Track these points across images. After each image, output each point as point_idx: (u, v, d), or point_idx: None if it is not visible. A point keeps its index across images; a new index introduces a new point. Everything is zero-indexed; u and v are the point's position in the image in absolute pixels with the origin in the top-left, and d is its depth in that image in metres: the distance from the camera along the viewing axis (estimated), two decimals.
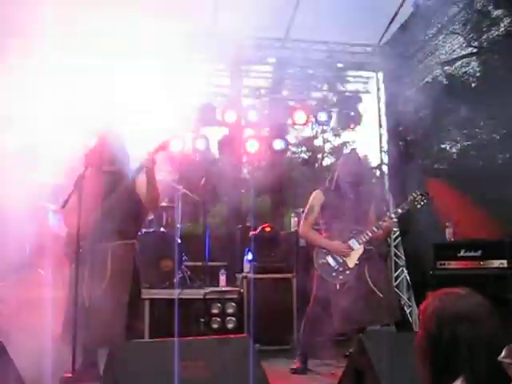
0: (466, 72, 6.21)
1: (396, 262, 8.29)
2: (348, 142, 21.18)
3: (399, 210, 5.09)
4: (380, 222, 5.08)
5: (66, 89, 8.36)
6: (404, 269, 8.13)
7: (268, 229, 6.76)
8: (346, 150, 21.00)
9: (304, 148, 21.61)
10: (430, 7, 6.71)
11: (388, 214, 5.15)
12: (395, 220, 5.24)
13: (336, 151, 21.73)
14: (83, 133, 7.96)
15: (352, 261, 4.97)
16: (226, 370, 3.48)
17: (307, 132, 20.53)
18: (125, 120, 7.93)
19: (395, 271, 8.11)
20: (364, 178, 5.35)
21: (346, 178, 5.09)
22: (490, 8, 5.98)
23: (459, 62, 6.35)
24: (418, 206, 5.08)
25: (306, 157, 21.81)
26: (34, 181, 7.19)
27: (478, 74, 6.11)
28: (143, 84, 8.37)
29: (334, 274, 4.97)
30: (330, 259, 5.01)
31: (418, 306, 7.21)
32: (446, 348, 1.93)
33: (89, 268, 4.33)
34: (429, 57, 6.96)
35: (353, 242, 5.01)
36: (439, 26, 6.69)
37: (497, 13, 5.88)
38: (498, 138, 5.88)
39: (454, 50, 6.29)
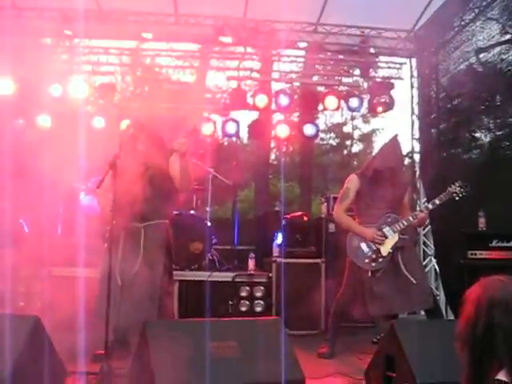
0: (502, 59, 6.08)
1: (424, 251, 8.24)
2: (377, 129, 21.08)
3: (437, 201, 5.02)
4: (416, 212, 5.03)
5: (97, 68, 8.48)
6: (432, 258, 8.07)
7: (299, 214, 6.76)
8: (376, 137, 20.89)
9: (333, 134, 21.52)
10: None
11: (425, 204, 5.08)
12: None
13: (365, 138, 21.64)
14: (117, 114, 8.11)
15: (386, 249, 4.93)
16: (258, 351, 3.50)
17: (336, 118, 20.45)
18: (159, 102, 8.04)
19: (423, 260, 8.06)
20: (402, 165, 5.29)
21: (386, 165, 5.00)
22: None
23: (496, 50, 6.22)
24: (457, 198, 5.02)
25: (335, 143, 21.73)
26: (66, 162, 7.30)
27: None
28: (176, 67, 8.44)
29: (366, 260, 4.93)
30: (363, 246, 4.97)
31: (446, 295, 7.17)
32: (482, 335, 1.92)
33: (122, 247, 4.38)
34: (465, 43, 6.83)
35: (387, 230, 4.96)
36: (476, 11, 6.55)
37: None
38: None
39: (492, 37, 6.16)
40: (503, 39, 6.03)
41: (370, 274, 4.90)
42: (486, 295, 1.96)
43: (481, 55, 6.52)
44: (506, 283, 1.99)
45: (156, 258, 4.42)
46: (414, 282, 4.83)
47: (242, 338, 3.54)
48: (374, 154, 5.55)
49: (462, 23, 6.86)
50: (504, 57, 6.00)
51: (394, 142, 5.12)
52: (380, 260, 4.91)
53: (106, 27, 7.59)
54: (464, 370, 1.99)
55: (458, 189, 4.99)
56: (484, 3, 6.36)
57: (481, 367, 1.93)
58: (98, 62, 8.76)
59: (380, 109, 8.68)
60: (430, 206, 5.06)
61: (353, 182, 5.15)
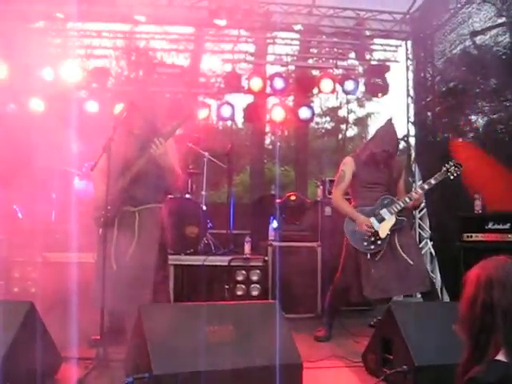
0: (497, 42, 6.04)
1: (420, 234, 8.25)
2: (373, 113, 21.03)
3: (432, 181, 4.99)
4: (412, 193, 5.02)
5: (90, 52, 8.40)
6: (428, 241, 8.08)
7: (293, 197, 6.74)
8: (371, 121, 20.85)
9: (328, 118, 21.47)
10: None
11: (420, 184, 5.06)
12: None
13: (360, 122, 21.60)
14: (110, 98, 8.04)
15: (384, 231, 4.91)
16: (254, 335, 3.49)
17: (331, 102, 20.37)
18: (152, 85, 7.98)
19: (419, 243, 8.06)
20: (397, 148, 5.26)
21: (380, 150, 4.98)
22: None
23: (491, 33, 6.18)
24: (452, 178, 5.00)
25: (330, 127, 21.69)
26: (59, 146, 7.26)
27: (508, 46, 5.94)
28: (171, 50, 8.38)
29: (365, 243, 4.91)
30: None
31: (441, 277, 7.19)
32: (481, 315, 1.93)
33: (117, 232, 4.36)
34: (460, 25, 6.78)
35: (384, 212, 4.95)
36: None
37: None
38: None
39: (489, 19, 6.11)
40: (498, 22, 5.99)
41: (368, 256, 4.89)
42: (485, 275, 1.96)
43: (476, 38, 6.48)
44: (504, 263, 1.98)
45: (151, 243, 4.40)
46: (411, 264, 4.83)
47: (239, 321, 3.53)
48: (368, 137, 5.52)
49: (458, 5, 6.81)
50: (499, 40, 5.96)
51: (388, 125, 5.11)
52: (378, 242, 4.90)
53: (99, 10, 7.48)
54: (464, 351, 1.98)
55: (453, 168, 4.97)
56: None
57: (480, 348, 1.93)
58: (91, 45, 8.69)
59: (379, 93, 8.63)
60: (426, 186, 5.04)
61: (348, 165, 5.13)
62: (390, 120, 5.12)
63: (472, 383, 1.85)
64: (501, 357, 1.88)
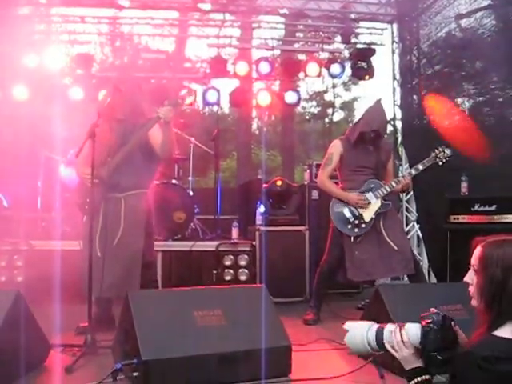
0: (482, 25, 6.04)
1: (407, 217, 8.27)
2: (359, 97, 21.05)
3: (420, 167, 5.00)
4: (399, 178, 5.03)
5: (74, 38, 8.31)
6: (415, 223, 8.11)
7: (280, 182, 6.72)
8: (357, 105, 20.86)
9: (314, 103, 21.45)
10: None
11: (408, 169, 5.07)
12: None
13: (347, 106, 21.60)
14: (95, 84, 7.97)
15: (369, 214, 4.93)
16: (243, 319, 3.50)
17: (318, 86, 20.36)
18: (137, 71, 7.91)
19: (406, 226, 8.09)
20: (386, 128, 5.26)
21: (370, 129, 4.96)
22: None
23: (476, 15, 6.18)
24: (440, 163, 5.00)
25: (316, 112, 21.68)
26: (43, 132, 7.20)
27: (493, 28, 5.94)
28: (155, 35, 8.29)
29: (349, 226, 4.94)
30: (346, 211, 4.97)
31: (428, 260, 7.23)
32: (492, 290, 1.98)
33: (102, 218, 4.33)
34: (446, 8, 6.77)
35: (370, 196, 4.96)
36: None
37: None
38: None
39: (474, 1, 6.10)
40: (483, 4, 5.99)
41: (352, 239, 4.92)
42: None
43: (461, 21, 6.47)
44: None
45: (137, 228, 4.39)
46: (395, 248, 4.85)
47: (227, 306, 3.52)
48: (355, 121, 5.51)
49: None
50: (484, 22, 5.97)
51: (378, 106, 5.09)
52: (363, 226, 4.92)
53: None
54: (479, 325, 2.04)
55: (442, 154, 4.98)
56: None
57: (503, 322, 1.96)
58: (74, 31, 8.58)
59: (366, 77, 8.60)
60: (413, 172, 5.05)
61: (336, 148, 5.13)
62: (379, 101, 5.11)
63: (467, 357, 1.89)
64: (504, 334, 1.93)
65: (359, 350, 2.32)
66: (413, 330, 2.14)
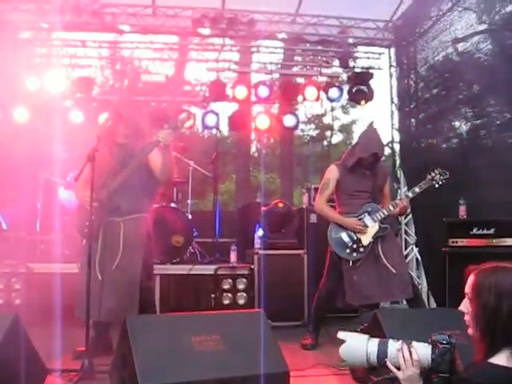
0: (479, 49, 6.11)
1: (406, 240, 8.27)
2: (357, 120, 21.15)
3: (417, 189, 5.01)
4: (397, 201, 5.02)
5: (75, 62, 8.38)
6: (414, 247, 8.11)
7: (280, 205, 6.73)
8: (356, 128, 20.95)
9: (313, 125, 21.55)
10: None
11: (405, 192, 5.08)
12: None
13: (345, 129, 21.70)
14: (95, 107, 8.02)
15: (367, 238, 4.94)
16: (241, 344, 3.48)
17: (316, 109, 20.46)
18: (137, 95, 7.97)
19: (405, 249, 8.09)
20: (382, 154, 5.28)
21: (368, 154, 4.98)
22: None
23: (472, 39, 6.25)
24: (437, 186, 5.02)
25: (315, 134, 21.77)
26: (43, 155, 7.23)
27: (490, 52, 6.01)
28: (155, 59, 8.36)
29: (348, 250, 4.94)
30: (344, 236, 4.97)
31: (427, 283, 7.21)
32: (506, 320, 1.98)
33: (101, 242, 4.33)
34: (443, 33, 6.84)
35: (368, 220, 4.97)
36: (453, 0, 6.57)
37: None
38: (509, 117, 5.81)
39: (470, 26, 6.17)
40: (480, 29, 6.05)
41: (350, 263, 4.91)
42: (506, 282, 2.03)
43: (458, 45, 6.54)
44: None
45: (136, 253, 4.38)
46: (394, 271, 4.85)
47: (225, 331, 3.51)
48: (353, 144, 5.54)
49: (440, 13, 6.87)
50: (481, 46, 6.02)
51: (372, 129, 5.12)
52: (361, 250, 4.92)
53: (83, 20, 7.47)
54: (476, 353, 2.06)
55: (438, 176, 5.00)
56: None
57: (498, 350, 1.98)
58: (75, 55, 8.65)
59: (362, 102, 8.67)
60: (410, 195, 5.06)
61: (332, 173, 5.15)
62: (372, 124, 5.14)
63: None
64: (499, 361, 1.94)
65: (355, 362, 2.26)
66: (422, 350, 2.12)
